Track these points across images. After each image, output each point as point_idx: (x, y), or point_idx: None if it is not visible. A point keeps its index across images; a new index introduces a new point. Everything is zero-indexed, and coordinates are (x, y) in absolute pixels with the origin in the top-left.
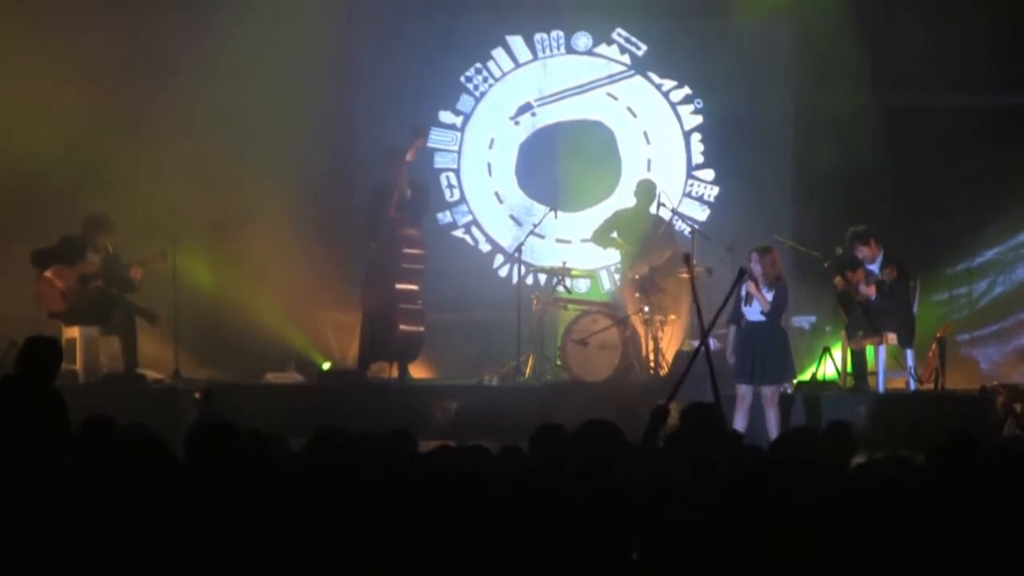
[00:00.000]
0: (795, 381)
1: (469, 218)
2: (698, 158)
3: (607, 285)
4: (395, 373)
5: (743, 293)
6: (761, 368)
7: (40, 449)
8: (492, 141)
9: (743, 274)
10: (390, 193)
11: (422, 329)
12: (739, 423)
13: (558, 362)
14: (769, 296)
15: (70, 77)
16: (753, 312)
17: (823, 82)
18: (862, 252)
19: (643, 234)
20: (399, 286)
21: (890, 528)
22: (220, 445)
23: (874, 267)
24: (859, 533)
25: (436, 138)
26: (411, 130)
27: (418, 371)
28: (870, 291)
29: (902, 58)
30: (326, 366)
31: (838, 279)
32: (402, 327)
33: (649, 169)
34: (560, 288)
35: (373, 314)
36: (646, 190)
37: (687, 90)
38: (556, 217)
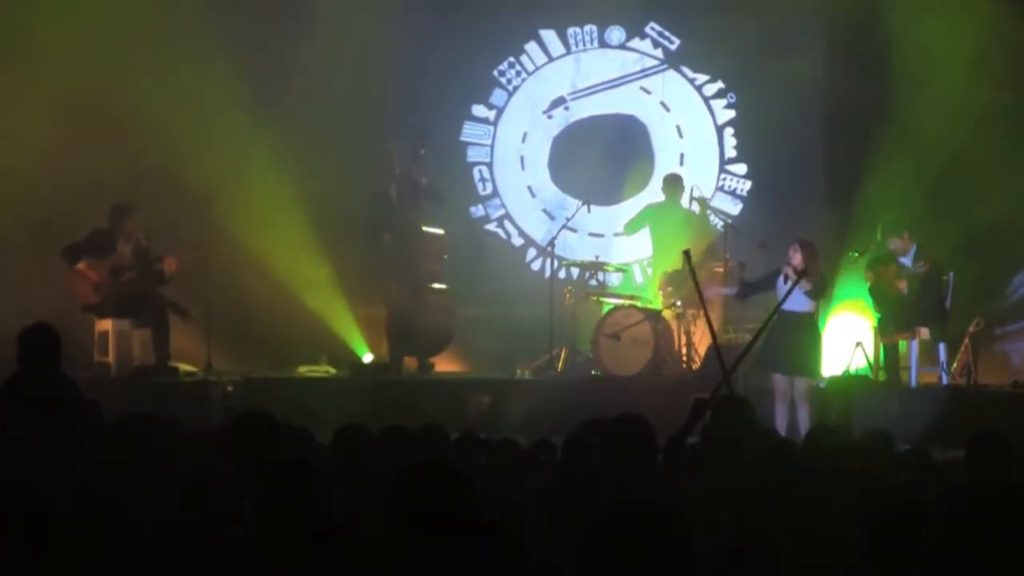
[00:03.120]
0: (826, 375)
1: (502, 212)
2: (731, 152)
3: (640, 279)
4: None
5: (782, 282)
6: (792, 359)
7: (64, 440)
8: (525, 135)
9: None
10: (395, 183)
11: (450, 322)
12: (780, 418)
13: (590, 356)
14: (809, 285)
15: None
16: (791, 302)
17: (855, 76)
18: (895, 245)
19: (674, 228)
20: (423, 279)
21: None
22: (250, 438)
23: (907, 260)
24: (886, 537)
25: (469, 132)
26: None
27: (450, 364)
28: (902, 285)
29: (933, 52)
30: (367, 358)
31: (869, 273)
32: (429, 321)
33: (682, 163)
34: (593, 282)
35: (401, 308)
36: (673, 184)
37: (720, 84)
38: (589, 211)
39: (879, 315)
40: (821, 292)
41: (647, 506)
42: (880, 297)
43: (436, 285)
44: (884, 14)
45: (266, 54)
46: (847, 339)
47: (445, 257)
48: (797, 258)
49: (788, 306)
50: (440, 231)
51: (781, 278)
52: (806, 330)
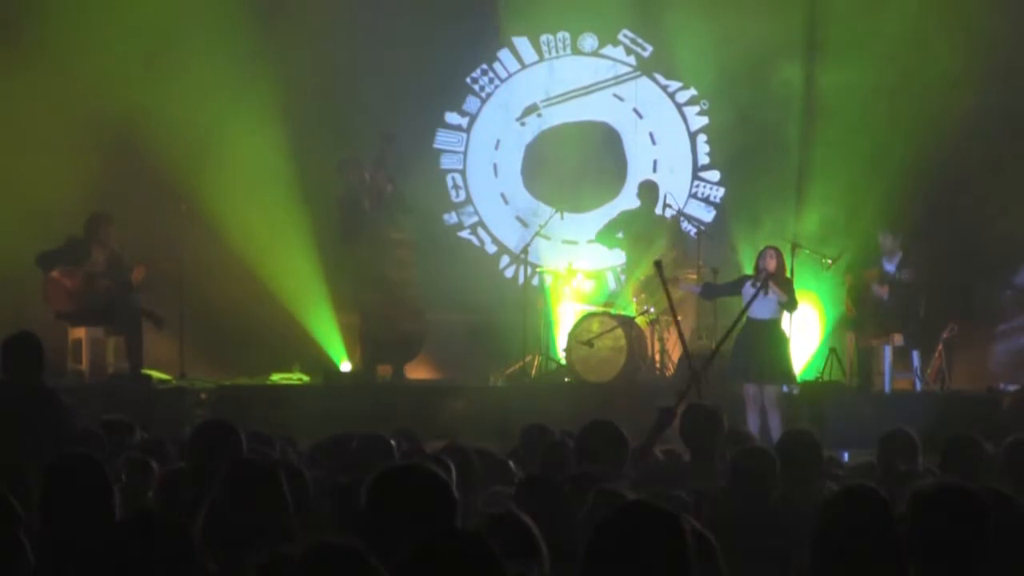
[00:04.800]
0: (798, 381)
1: (475, 219)
2: (704, 159)
3: (613, 286)
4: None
5: (756, 289)
6: (761, 366)
7: (39, 449)
8: (498, 142)
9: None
10: (366, 191)
11: (421, 328)
12: (752, 425)
13: (564, 363)
14: (784, 296)
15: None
16: (761, 310)
17: (831, 82)
18: (885, 240)
19: (648, 234)
20: (394, 287)
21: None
22: (222, 446)
23: (891, 267)
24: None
25: (442, 139)
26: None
27: (424, 372)
28: (883, 291)
29: (912, 58)
30: (345, 366)
31: (848, 276)
32: (401, 328)
33: (655, 170)
34: (566, 289)
35: (371, 315)
36: (648, 191)
37: (693, 91)
38: (562, 218)
39: (855, 318)
40: (796, 303)
41: (650, 508)
42: (858, 299)
43: (407, 292)
44: (862, 20)
45: (238, 59)
46: (808, 339)
47: (415, 263)
48: (772, 263)
49: (755, 314)
50: (409, 237)
51: (748, 284)
52: (774, 337)
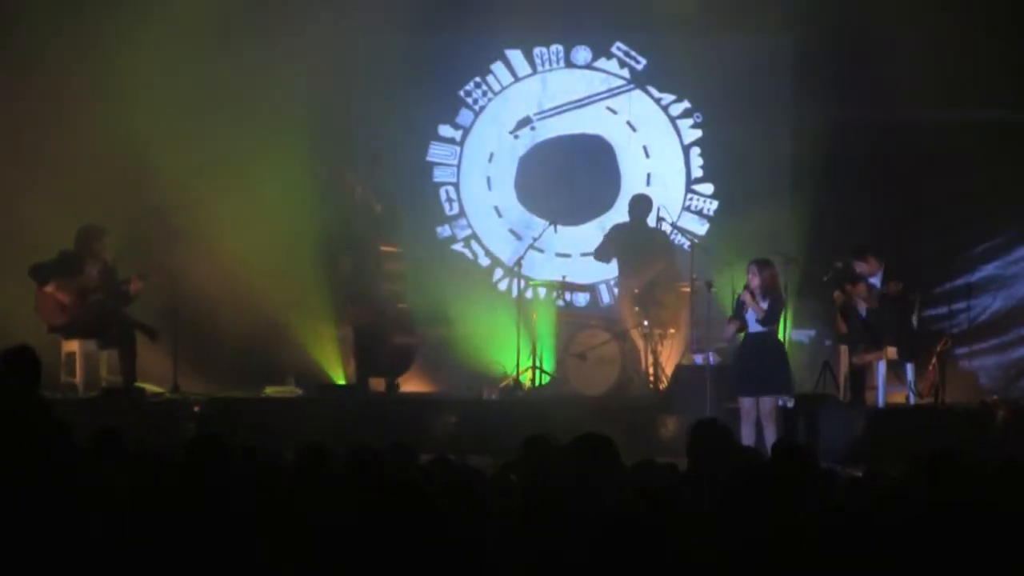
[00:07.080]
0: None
1: (469, 232)
2: (697, 172)
3: (606, 299)
4: (382, 387)
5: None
6: (759, 379)
7: (36, 462)
8: (491, 155)
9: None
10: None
11: (413, 341)
12: (746, 437)
13: (557, 376)
14: (764, 305)
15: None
16: (752, 324)
17: (822, 96)
18: (860, 267)
19: (640, 247)
20: (385, 300)
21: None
22: (212, 460)
23: (875, 281)
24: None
25: (435, 152)
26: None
27: (417, 385)
28: (872, 306)
29: (901, 73)
30: (341, 381)
31: (837, 293)
32: (393, 341)
33: (649, 183)
34: (560, 302)
35: (363, 329)
36: (640, 204)
37: (686, 104)
38: (556, 231)
39: (847, 335)
40: (772, 318)
41: (633, 521)
42: (849, 317)
43: (399, 305)
44: (853, 32)
45: (233, 72)
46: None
47: (406, 277)
48: (755, 281)
49: (751, 327)
50: (399, 251)
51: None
52: (768, 349)
